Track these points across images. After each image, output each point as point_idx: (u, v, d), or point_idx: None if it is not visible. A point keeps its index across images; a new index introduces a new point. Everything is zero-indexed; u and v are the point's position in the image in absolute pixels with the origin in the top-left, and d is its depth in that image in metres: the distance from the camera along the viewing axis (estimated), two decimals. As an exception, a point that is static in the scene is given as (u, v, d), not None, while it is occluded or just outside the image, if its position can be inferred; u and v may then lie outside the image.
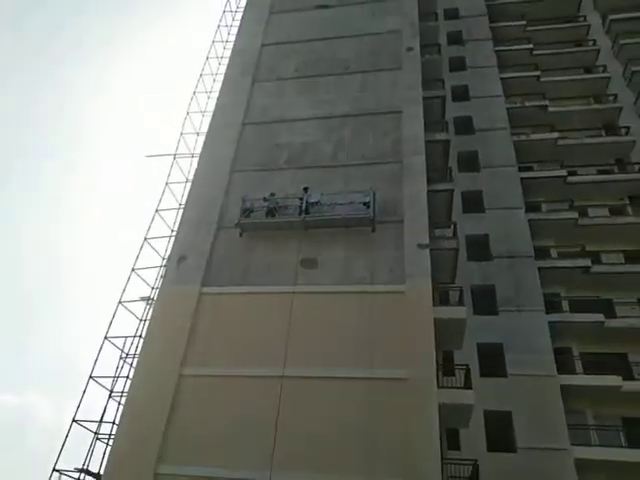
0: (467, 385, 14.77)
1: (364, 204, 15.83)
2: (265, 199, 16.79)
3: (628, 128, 25.54)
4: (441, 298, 17.69)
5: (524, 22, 30.44)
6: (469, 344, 18.43)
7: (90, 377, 15.40)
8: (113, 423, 14.85)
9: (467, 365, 15.37)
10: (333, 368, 13.43)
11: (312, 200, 16.18)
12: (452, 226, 17.93)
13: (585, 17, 30.96)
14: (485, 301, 20.51)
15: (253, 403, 13.14)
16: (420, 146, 17.56)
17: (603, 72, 27.94)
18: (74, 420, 14.96)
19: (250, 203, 16.81)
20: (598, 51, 28.74)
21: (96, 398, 16.19)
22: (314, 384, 13.23)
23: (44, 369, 63.82)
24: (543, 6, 31.24)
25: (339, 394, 13.01)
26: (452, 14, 31.06)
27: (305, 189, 16.73)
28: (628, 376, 19.15)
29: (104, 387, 15.68)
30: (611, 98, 26.97)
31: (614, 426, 18.55)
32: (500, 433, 17.72)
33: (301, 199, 16.37)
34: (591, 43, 29.56)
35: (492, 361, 19.11)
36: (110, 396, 15.63)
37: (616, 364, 19.64)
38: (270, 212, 16.57)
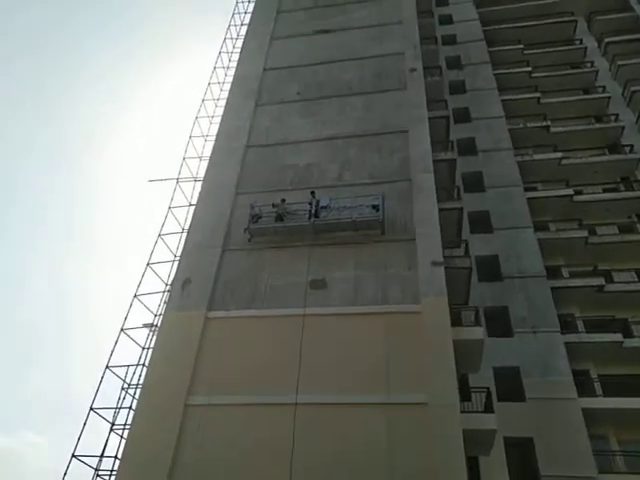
0: (488, 409, 14.05)
1: (373, 207, 15.64)
2: (274, 205, 16.56)
3: (632, 146, 25.47)
4: (453, 320, 17.09)
5: (522, 46, 30.80)
6: (484, 368, 17.69)
7: (91, 408, 14.59)
8: (115, 458, 13.99)
9: (487, 388, 14.65)
10: (348, 394, 12.73)
11: (322, 204, 16.02)
12: (465, 245, 17.46)
13: (581, 40, 31.39)
14: (499, 323, 19.87)
15: (265, 433, 12.36)
16: (429, 163, 17.31)
17: (603, 92, 28.07)
18: (73, 455, 14.09)
19: (259, 209, 16.62)
20: (597, 72, 28.98)
21: (97, 433, 15.38)
22: (329, 411, 12.49)
23: (40, 406, 61.92)
24: (539, 30, 31.75)
25: (355, 421, 12.27)
26: (449, 40, 31.34)
27: (312, 193, 16.48)
28: (649, 398, 18.41)
29: (105, 419, 14.86)
30: (612, 117, 26.99)
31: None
32: (522, 461, 16.85)
33: (310, 204, 16.13)
34: (589, 65, 29.84)
35: (509, 385, 18.31)
36: (112, 429, 14.80)
37: (636, 385, 18.93)
38: (279, 217, 16.31)
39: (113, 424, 14.94)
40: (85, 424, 14.41)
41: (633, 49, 29.63)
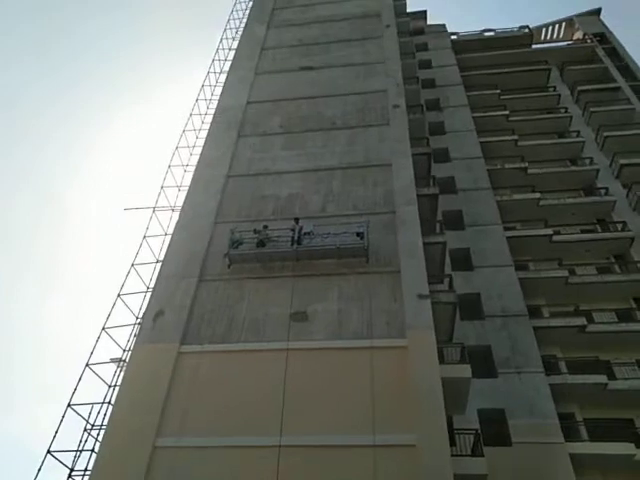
0: (477, 453, 13.32)
1: (357, 234, 15.29)
2: (256, 231, 15.96)
3: (607, 189, 26.03)
4: (438, 357, 16.49)
5: (499, 91, 31.77)
6: (467, 410, 17.06)
7: (48, 452, 13.25)
8: (72, 508, 12.65)
9: (477, 430, 13.94)
10: (334, 435, 11.87)
11: (305, 230, 15.56)
12: (449, 279, 17.11)
13: (555, 87, 32.63)
14: (482, 363, 19.29)
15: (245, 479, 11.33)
16: (412, 196, 17.18)
17: (577, 137, 28.91)
18: (23, 507, 12.65)
19: (239, 235, 15.97)
20: (571, 118, 29.95)
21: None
22: (314, 454, 11.59)
23: (-10, 454, 56.85)
24: (515, 77, 33.03)
25: (342, 465, 11.38)
26: (428, 84, 32.13)
27: (296, 220, 15.95)
28: (636, 443, 17.90)
29: (64, 464, 13.48)
30: (587, 161, 27.69)
31: (629, 499, 17.02)
32: (509, 510, 15.95)
33: (293, 230, 15.64)
34: (563, 111, 30.86)
35: (494, 428, 17.54)
36: (70, 475, 13.42)
37: (622, 430, 18.47)
38: (261, 243, 15.73)
39: (72, 470, 13.57)
40: (40, 470, 13.04)
41: (603, 97, 31.01)
